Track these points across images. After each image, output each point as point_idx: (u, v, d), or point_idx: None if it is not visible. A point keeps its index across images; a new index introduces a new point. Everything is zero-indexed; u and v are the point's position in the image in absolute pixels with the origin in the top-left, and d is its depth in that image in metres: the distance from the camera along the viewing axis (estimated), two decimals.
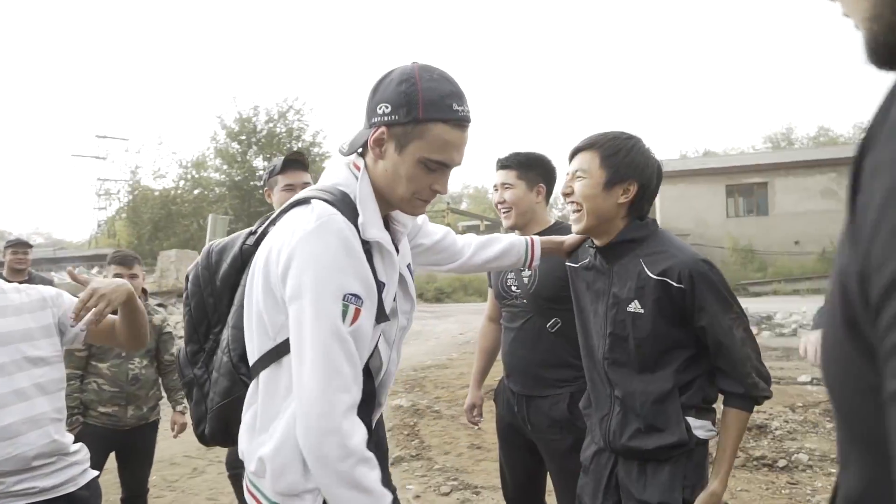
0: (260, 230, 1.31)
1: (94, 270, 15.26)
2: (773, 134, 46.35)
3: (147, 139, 45.71)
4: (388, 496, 1.15)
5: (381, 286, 1.24)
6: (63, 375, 1.89)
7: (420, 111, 1.19)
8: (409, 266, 1.43)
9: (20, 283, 2.14)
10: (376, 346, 1.28)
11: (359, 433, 1.11)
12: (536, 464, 2.31)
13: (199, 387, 1.32)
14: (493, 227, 25.86)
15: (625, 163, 1.65)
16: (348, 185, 1.27)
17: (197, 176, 28.74)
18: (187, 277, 1.37)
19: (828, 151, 23.41)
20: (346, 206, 1.21)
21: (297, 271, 1.13)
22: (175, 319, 13.34)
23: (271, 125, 29.09)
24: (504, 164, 2.27)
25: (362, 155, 1.29)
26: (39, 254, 20.23)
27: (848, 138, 38.74)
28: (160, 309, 3.50)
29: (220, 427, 1.28)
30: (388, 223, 1.36)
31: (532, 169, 2.26)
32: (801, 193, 20.72)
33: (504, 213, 2.27)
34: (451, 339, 11.26)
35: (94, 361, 2.99)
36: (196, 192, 28.39)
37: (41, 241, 38.54)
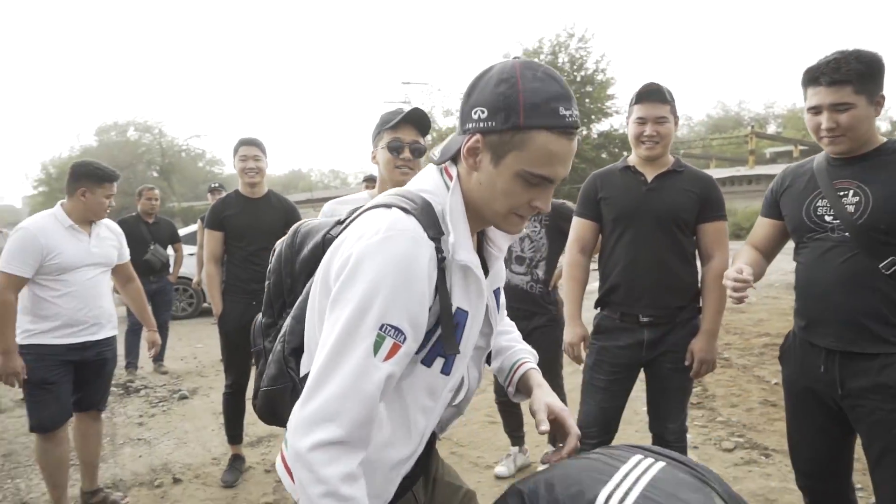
0: (347, 222, 1.18)
1: None
2: None
3: (444, 82, 49.45)
4: None
5: (462, 315, 1.09)
6: None
7: (521, 117, 1.00)
8: (496, 291, 1.26)
9: None
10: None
11: (336, 467, 0.96)
12: (842, 437, 1.92)
13: (263, 360, 1.28)
14: (810, 151, 22.17)
15: None
16: (437, 194, 1.10)
17: None
18: (273, 250, 1.32)
19: None
20: (428, 218, 1.06)
21: (346, 281, 1.01)
22: None
23: (552, 57, 28.92)
24: (834, 80, 1.76)
25: (455, 162, 1.12)
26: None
27: None
28: None
29: (267, 409, 1.24)
30: (481, 242, 1.20)
31: (873, 78, 1.77)
32: None
33: (832, 138, 1.82)
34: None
35: None
36: None
37: (363, 175, 45.10)
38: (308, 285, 1.20)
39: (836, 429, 1.92)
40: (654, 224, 2.36)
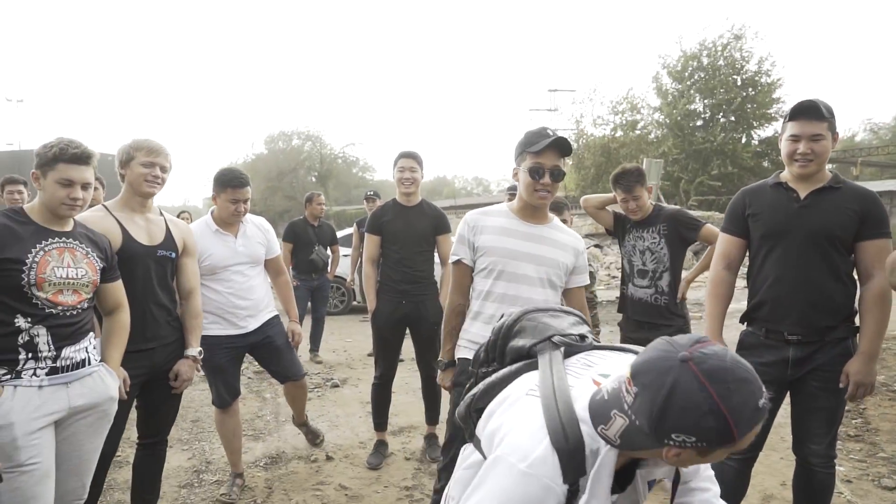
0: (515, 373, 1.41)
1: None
2: None
3: (591, 88, 48.38)
4: None
5: None
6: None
7: (734, 436, 1.05)
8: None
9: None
10: None
11: None
12: None
13: (472, 382, 1.53)
14: None
15: None
16: (593, 436, 1.16)
17: (631, 119, 29.16)
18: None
19: None
20: (572, 462, 1.12)
21: (481, 475, 1.20)
22: (609, 260, 14.19)
23: (712, 59, 27.36)
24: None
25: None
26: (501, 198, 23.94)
27: None
28: (587, 248, 3.83)
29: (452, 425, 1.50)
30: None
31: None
32: None
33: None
34: None
35: None
36: (634, 133, 28.90)
37: (505, 186, 45.49)
38: (507, 370, 1.43)
39: None
40: (805, 241, 2.32)
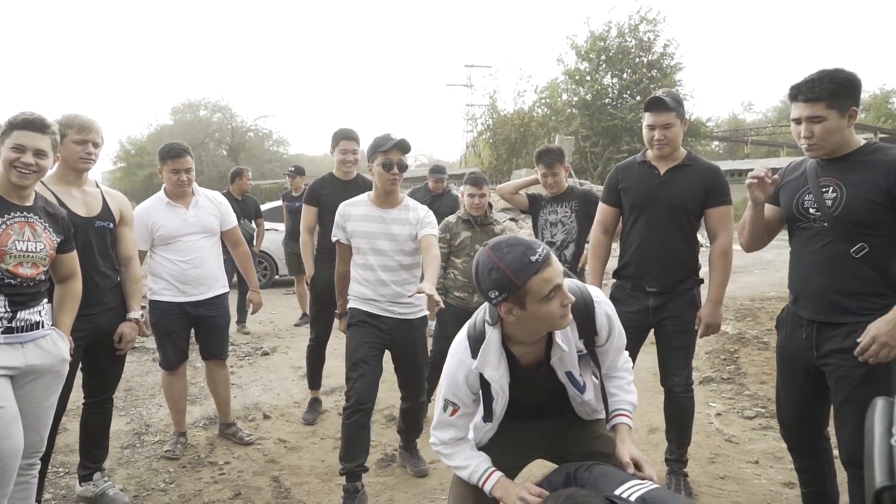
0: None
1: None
2: None
3: (505, 65, 49.48)
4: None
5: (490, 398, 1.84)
6: None
7: (516, 283, 1.59)
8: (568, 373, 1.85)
9: None
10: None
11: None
12: (816, 393, 2.31)
13: None
14: (892, 139, 21.40)
15: None
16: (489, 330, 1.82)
17: (548, 100, 30.17)
18: None
19: None
20: (475, 344, 1.81)
21: None
22: (524, 233, 14.89)
23: (621, 40, 28.59)
24: (808, 97, 2.10)
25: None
26: (421, 172, 24.18)
27: None
28: (501, 221, 4.24)
29: None
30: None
31: (844, 94, 2.09)
32: None
33: (808, 145, 2.16)
34: None
35: (451, 257, 3.90)
36: (547, 113, 29.89)
37: (424, 161, 45.70)
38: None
39: (811, 387, 2.32)
40: (663, 212, 2.82)
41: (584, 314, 1.81)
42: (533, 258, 1.58)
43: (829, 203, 2.17)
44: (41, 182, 2.71)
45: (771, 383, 4.61)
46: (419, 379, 3.22)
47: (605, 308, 1.86)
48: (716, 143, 38.13)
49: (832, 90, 2.08)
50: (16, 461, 2.17)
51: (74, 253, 2.50)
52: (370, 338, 2.99)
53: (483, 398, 1.84)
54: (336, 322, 3.47)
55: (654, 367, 3.20)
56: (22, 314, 2.24)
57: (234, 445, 3.65)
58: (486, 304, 1.79)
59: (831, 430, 2.38)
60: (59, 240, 2.37)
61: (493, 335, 1.76)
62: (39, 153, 2.22)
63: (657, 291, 2.87)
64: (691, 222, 2.88)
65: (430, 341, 4.06)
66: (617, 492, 1.55)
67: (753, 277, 9.82)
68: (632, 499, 1.51)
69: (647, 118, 2.85)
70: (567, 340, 1.78)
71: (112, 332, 2.84)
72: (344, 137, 3.94)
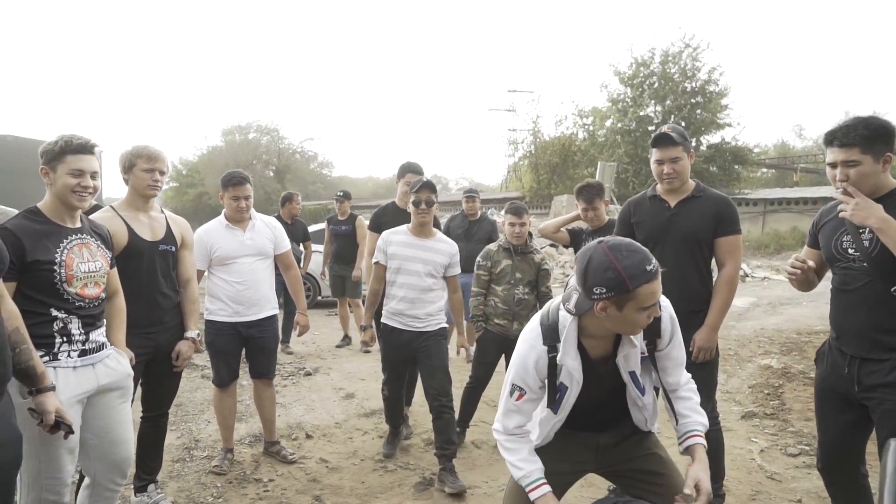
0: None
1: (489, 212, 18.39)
2: None
3: (549, 91, 49.76)
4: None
5: (563, 387, 1.92)
6: None
7: (629, 286, 1.68)
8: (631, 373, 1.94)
9: None
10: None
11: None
12: (856, 424, 2.32)
13: None
14: None
15: None
16: (565, 319, 1.92)
17: (590, 125, 30.09)
18: None
19: None
20: (549, 331, 1.92)
21: None
22: (564, 259, 14.84)
23: (664, 66, 28.41)
24: (843, 143, 2.16)
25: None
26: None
27: None
28: (540, 249, 4.31)
29: None
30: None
31: (879, 140, 2.14)
32: None
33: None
34: None
35: (492, 284, 3.99)
36: (588, 139, 29.79)
37: (465, 185, 45.98)
38: None
39: (852, 418, 2.32)
40: (676, 244, 2.89)
41: None
42: (648, 267, 1.68)
43: (866, 244, 2.20)
44: (112, 208, 2.93)
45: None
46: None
47: (669, 311, 1.96)
48: (763, 170, 37.25)
49: (866, 136, 2.13)
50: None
51: (115, 270, 2.60)
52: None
53: (549, 385, 1.93)
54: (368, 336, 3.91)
55: None
56: (93, 335, 2.39)
57: (277, 463, 3.78)
58: (564, 294, 1.85)
59: (870, 465, 2.36)
60: (110, 255, 2.51)
61: (571, 325, 1.86)
62: (95, 175, 2.34)
63: None
64: (703, 253, 2.92)
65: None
66: None
67: (801, 310, 9.56)
68: None
69: (654, 153, 2.92)
70: (636, 338, 1.89)
71: (170, 350, 3.01)
72: (410, 171, 4.26)
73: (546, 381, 1.93)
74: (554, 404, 1.95)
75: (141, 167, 2.87)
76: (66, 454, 2.25)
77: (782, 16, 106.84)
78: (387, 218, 4.21)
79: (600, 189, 3.85)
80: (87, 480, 2.51)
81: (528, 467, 1.95)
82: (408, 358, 3.69)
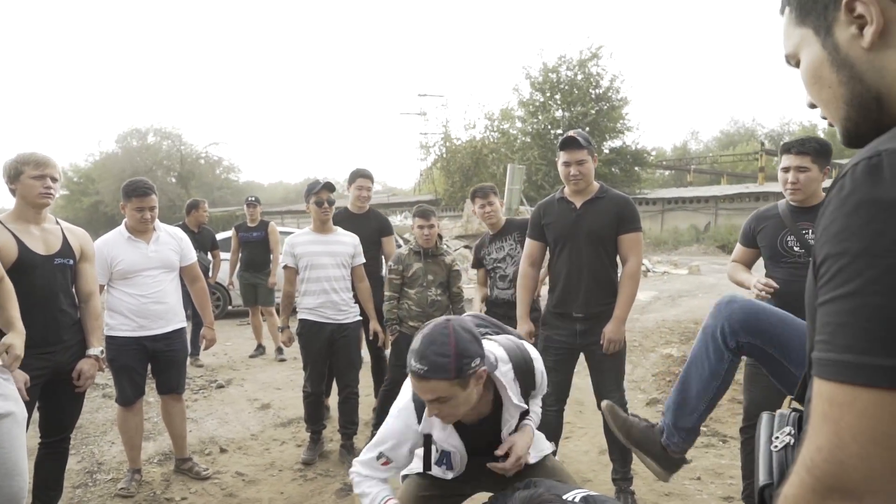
0: None
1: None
2: None
3: (459, 95, 50.47)
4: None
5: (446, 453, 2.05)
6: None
7: None
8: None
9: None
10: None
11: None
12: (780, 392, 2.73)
13: None
14: None
15: None
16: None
17: (501, 127, 30.81)
18: None
19: None
20: (420, 406, 1.98)
21: None
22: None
23: (571, 73, 29.56)
24: (799, 150, 2.66)
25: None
26: (376, 199, 24.37)
27: None
28: (451, 251, 4.39)
29: None
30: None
31: (824, 155, 2.66)
32: None
33: (793, 190, 2.72)
34: None
35: (405, 287, 4.03)
36: (500, 140, 30.50)
37: (379, 189, 45.82)
38: None
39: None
40: (583, 242, 3.09)
41: (525, 370, 2.03)
42: (413, 365, 1.80)
43: (811, 241, 2.56)
44: None
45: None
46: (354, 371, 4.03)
47: (539, 364, 2.11)
48: (659, 171, 39.52)
49: (817, 149, 2.64)
50: None
51: None
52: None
53: (425, 456, 2.05)
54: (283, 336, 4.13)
55: None
56: None
57: (190, 480, 3.64)
58: None
59: None
60: None
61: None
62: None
63: (583, 317, 3.11)
64: (608, 249, 3.13)
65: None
66: (565, 497, 1.68)
67: (698, 301, 10.24)
68: (576, 500, 1.64)
69: (562, 156, 3.10)
70: (515, 400, 1.98)
71: (71, 370, 2.83)
72: (360, 175, 4.49)
73: (423, 453, 2.06)
74: (445, 466, 2.07)
75: (29, 174, 2.70)
76: None
77: (680, 29, 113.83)
78: (342, 223, 4.27)
79: (493, 187, 4.08)
80: None
81: (374, 490, 2.01)
82: (327, 350, 3.95)
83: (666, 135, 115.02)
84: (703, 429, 4.21)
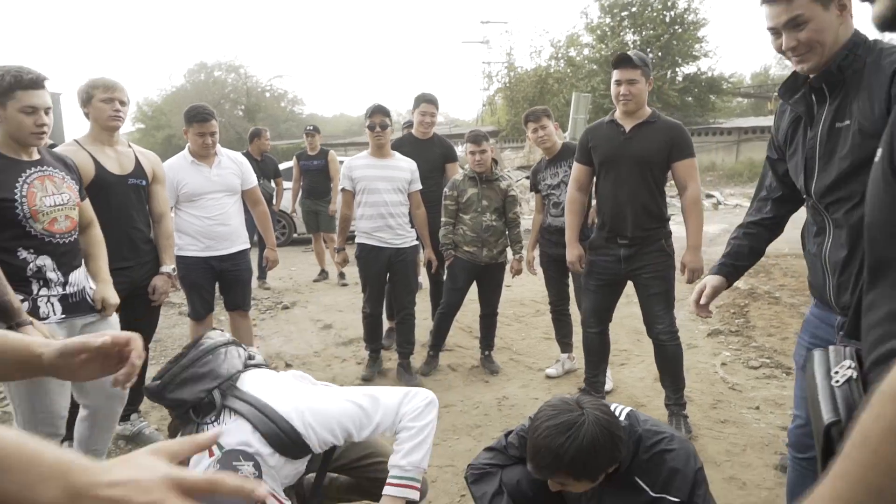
0: None
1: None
2: None
3: (524, 21, 48.40)
4: None
5: None
6: None
7: None
8: None
9: None
10: None
11: None
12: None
13: None
14: None
15: None
16: None
17: (567, 54, 29.54)
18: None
19: None
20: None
21: None
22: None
23: None
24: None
25: None
26: (438, 130, 24.14)
27: None
28: (507, 176, 4.31)
29: None
30: None
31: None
32: None
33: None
34: None
35: (460, 213, 4.01)
36: (567, 69, 29.33)
37: (441, 120, 45.24)
38: None
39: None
40: (630, 166, 2.98)
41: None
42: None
43: None
44: (76, 142, 2.85)
45: (778, 335, 4.73)
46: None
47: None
48: (737, 99, 37.15)
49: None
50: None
51: (88, 201, 2.56)
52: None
53: None
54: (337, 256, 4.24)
55: None
56: (72, 277, 2.34)
57: None
58: None
59: None
60: (78, 186, 2.44)
61: None
62: (48, 110, 2.21)
63: (628, 242, 3.05)
64: (656, 176, 3.03)
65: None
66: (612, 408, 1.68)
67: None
68: (621, 417, 1.64)
69: (614, 74, 2.99)
70: None
71: (146, 286, 3.01)
72: (425, 101, 4.41)
73: None
74: None
75: (99, 97, 2.79)
76: (57, 387, 2.25)
77: None
78: (406, 148, 4.29)
79: (545, 110, 3.94)
80: (83, 412, 2.55)
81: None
82: (385, 273, 4.01)
83: (746, 59, 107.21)
84: (766, 360, 4.12)
